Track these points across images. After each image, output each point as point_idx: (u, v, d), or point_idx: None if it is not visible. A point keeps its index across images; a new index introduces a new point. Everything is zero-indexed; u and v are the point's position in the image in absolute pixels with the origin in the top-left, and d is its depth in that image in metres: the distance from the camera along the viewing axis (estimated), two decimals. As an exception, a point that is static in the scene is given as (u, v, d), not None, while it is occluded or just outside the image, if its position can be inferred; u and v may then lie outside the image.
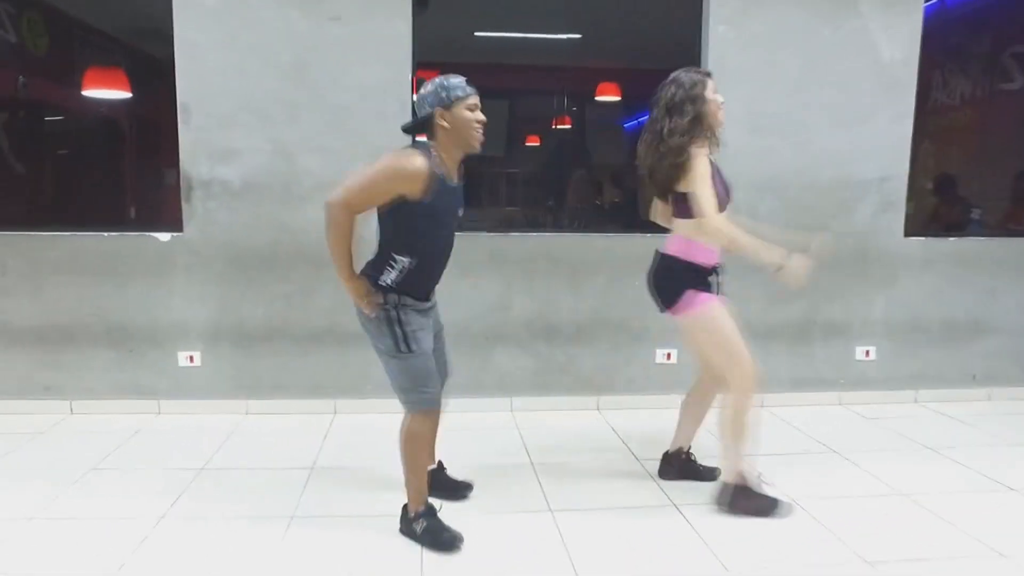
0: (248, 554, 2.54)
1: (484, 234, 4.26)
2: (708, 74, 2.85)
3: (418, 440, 2.61)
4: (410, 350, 2.52)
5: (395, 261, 2.49)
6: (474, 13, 4.98)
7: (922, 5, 4.20)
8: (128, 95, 4.69)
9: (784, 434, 3.89)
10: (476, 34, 5.37)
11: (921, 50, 4.25)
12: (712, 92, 2.80)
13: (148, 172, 4.73)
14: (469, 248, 4.18)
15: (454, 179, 2.56)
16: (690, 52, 4.21)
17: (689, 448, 3.25)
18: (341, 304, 3.81)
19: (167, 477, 3.20)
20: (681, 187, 2.78)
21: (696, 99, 2.75)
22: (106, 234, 4.01)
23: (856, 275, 4.35)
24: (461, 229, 3.98)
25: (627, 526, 2.78)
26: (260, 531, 2.71)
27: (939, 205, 5.70)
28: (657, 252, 2.97)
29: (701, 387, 3.16)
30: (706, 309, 2.81)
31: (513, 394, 4.29)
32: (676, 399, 4.21)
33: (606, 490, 3.13)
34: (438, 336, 2.79)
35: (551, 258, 4.23)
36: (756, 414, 2.86)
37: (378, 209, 2.48)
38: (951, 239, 4.48)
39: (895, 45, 4.21)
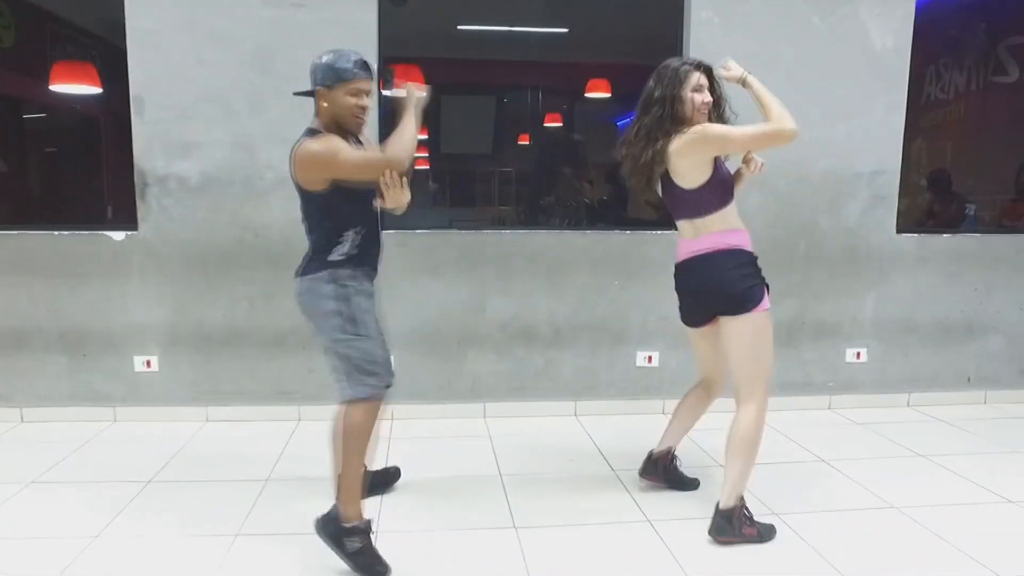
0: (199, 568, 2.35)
1: (455, 232, 4.07)
2: (698, 65, 2.58)
3: (362, 434, 2.41)
4: (357, 333, 2.40)
5: (343, 237, 2.42)
6: (456, 6, 4.79)
7: (915, -9, 4.02)
8: (97, 90, 4.49)
9: (770, 441, 3.66)
10: (460, 27, 5.18)
11: (914, 43, 4.06)
12: (692, 89, 2.53)
13: (105, 168, 4.53)
14: (440, 246, 4.01)
15: None
16: (673, 38, 4.02)
17: (674, 451, 3.05)
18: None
19: (111, 491, 3.00)
20: (684, 183, 2.56)
21: (667, 99, 2.51)
22: (57, 232, 3.81)
23: (846, 273, 4.16)
24: (432, 227, 3.80)
25: (595, 544, 2.59)
26: (200, 551, 2.51)
27: (933, 201, 5.53)
28: (696, 257, 2.60)
29: (702, 390, 2.92)
30: (767, 315, 2.55)
31: (487, 399, 4.09)
32: (657, 404, 4.08)
33: (576, 504, 2.92)
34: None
35: (527, 257, 4.04)
36: None
37: (317, 198, 2.39)
38: (945, 236, 4.29)
39: (887, 33, 4.02)
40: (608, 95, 5.70)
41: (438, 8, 4.48)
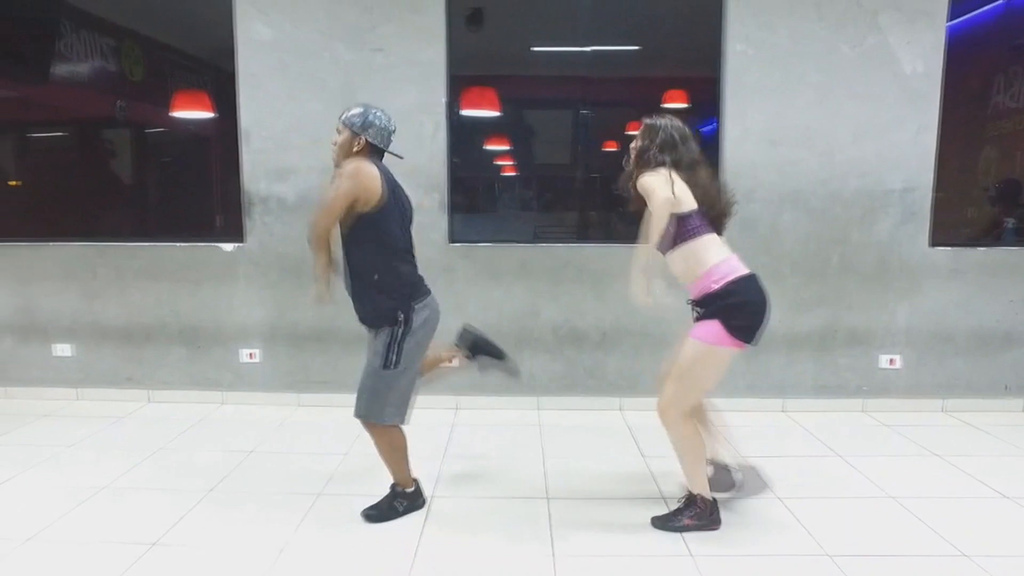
0: (274, 523, 2.94)
1: (513, 245, 4.57)
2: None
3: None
4: None
5: None
6: (530, 29, 5.22)
7: (945, 19, 4.24)
8: (211, 115, 5.20)
9: (794, 437, 4.03)
10: (533, 49, 5.61)
11: (979, 52, 4.26)
12: None
13: (217, 188, 5.25)
14: (499, 257, 4.53)
15: None
16: (713, 69, 4.39)
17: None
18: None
19: (221, 458, 3.66)
20: None
21: None
22: (179, 244, 4.55)
23: (879, 285, 4.41)
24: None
25: (613, 514, 3.03)
26: (290, 503, 3.11)
27: (1000, 213, 5.59)
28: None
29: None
30: None
31: (541, 394, 4.58)
32: (697, 402, 4.44)
33: (603, 483, 3.37)
34: None
35: (576, 268, 4.50)
36: None
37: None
38: (981, 249, 4.47)
39: (917, 58, 4.26)
40: (686, 105, 5.94)
41: (512, 32, 4.95)
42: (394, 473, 3.07)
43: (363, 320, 3.00)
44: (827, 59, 4.28)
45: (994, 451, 3.80)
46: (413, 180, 4.40)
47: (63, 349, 4.65)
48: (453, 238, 4.51)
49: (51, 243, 4.61)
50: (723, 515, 2.97)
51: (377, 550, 2.75)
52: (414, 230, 4.49)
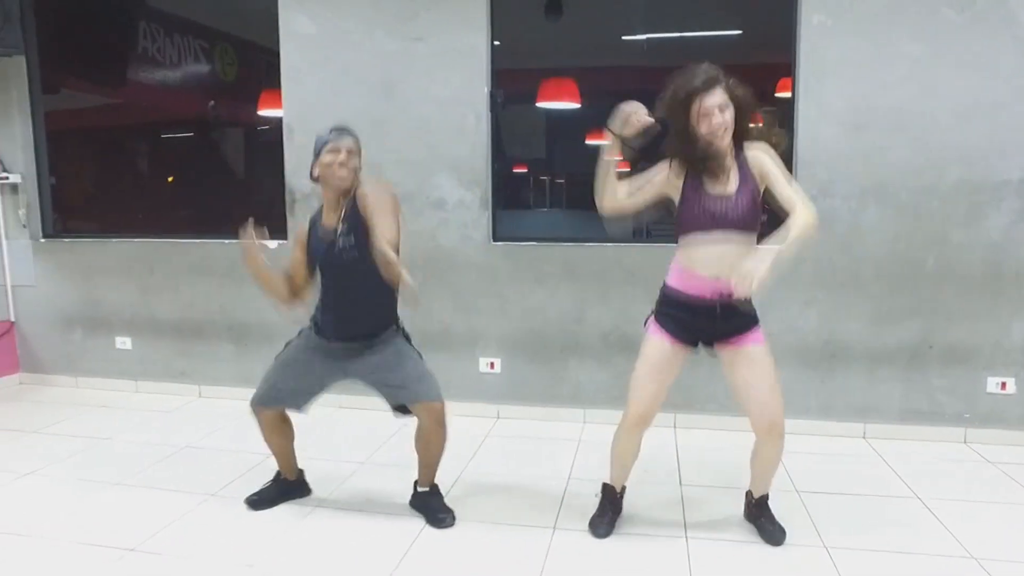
0: (258, 533, 2.81)
1: (558, 244, 4.24)
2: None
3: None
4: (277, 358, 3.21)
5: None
6: (618, 17, 4.87)
7: (1084, -33, 3.49)
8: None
9: (870, 471, 3.45)
10: (624, 38, 5.22)
11: None
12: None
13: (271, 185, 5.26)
14: (543, 258, 4.21)
15: (331, 224, 2.86)
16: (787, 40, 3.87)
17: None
18: (422, 310, 3.98)
19: (240, 460, 3.59)
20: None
21: None
22: (226, 241, 4.56)
23: (988, 293, 3.72)
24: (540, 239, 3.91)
25: (620, 552, 2.66)
26: (278, 516, 2.97)
27: None
28: None
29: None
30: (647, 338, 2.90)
31: (587, 406, 4.22)
32: (757, 421, 3.93)
33: (625, 513, 2.98)
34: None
35: (626, 269, 4.10)
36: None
37: None
38: None
39: (1045, 19, 3.54)
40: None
41: (598, 20, 4.63)
42: (436, 466, 2.96)
43: (370, 332, 2.97)
44: (926, 26, 3.64)
45: None
46: (454, 175, 4.21)
47: (124, 342, 4.80)
48: (496, 236, 4.25)
49: (113, 239, 4.76)
50: (753, 560, 2.55)
51: (356, 569, 2.55)
52: (453, 227, 4.32)
